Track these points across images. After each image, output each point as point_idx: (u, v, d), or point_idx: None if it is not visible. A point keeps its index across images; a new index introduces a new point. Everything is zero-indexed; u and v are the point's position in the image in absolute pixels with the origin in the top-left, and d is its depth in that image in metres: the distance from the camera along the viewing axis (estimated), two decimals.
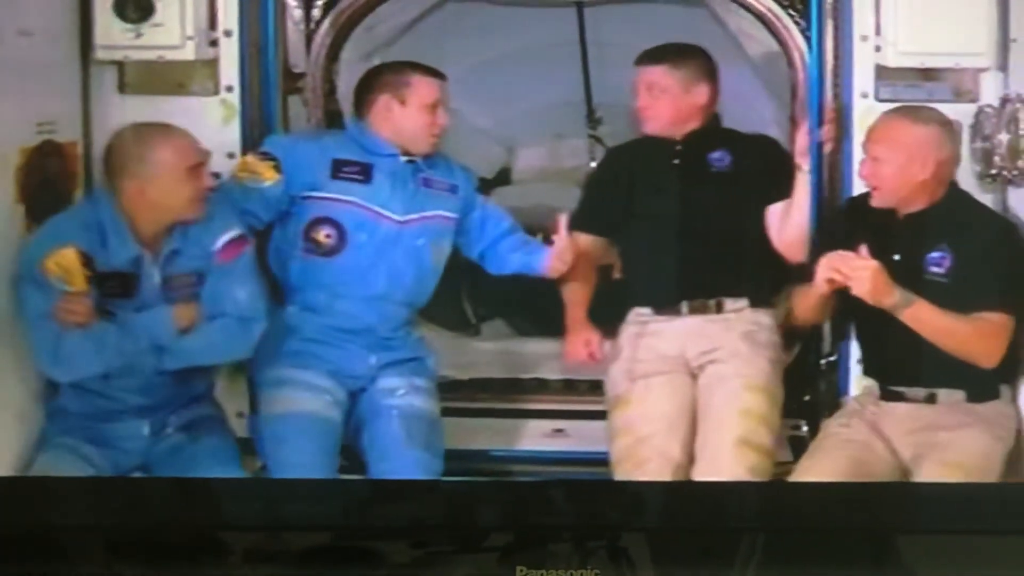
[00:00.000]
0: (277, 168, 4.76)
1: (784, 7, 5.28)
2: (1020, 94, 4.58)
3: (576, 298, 5.07)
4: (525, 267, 5.08)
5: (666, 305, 4.97)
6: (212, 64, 5.03)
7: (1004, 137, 4.60)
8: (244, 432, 4.86)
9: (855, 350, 4.89)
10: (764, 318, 4.97)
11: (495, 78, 6.76)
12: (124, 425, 4.50)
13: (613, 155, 5.53)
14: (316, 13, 5.59)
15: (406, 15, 6.15)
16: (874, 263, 4.30)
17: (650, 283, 5.01)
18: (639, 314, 5.02)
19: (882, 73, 4.90)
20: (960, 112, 4.77)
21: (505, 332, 5.79)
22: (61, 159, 4.66)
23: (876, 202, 4.53)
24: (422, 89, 4.84)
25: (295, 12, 5.53)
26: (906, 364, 4.50)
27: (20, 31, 4.47)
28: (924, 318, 4.35)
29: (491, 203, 5.18)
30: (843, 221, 4.75)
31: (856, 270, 4.31)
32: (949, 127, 4.52)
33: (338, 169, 4.82)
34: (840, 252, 4.37)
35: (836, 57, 5.05)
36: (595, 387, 5.37)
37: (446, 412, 4.97)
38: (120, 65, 5.01)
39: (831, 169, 5.01)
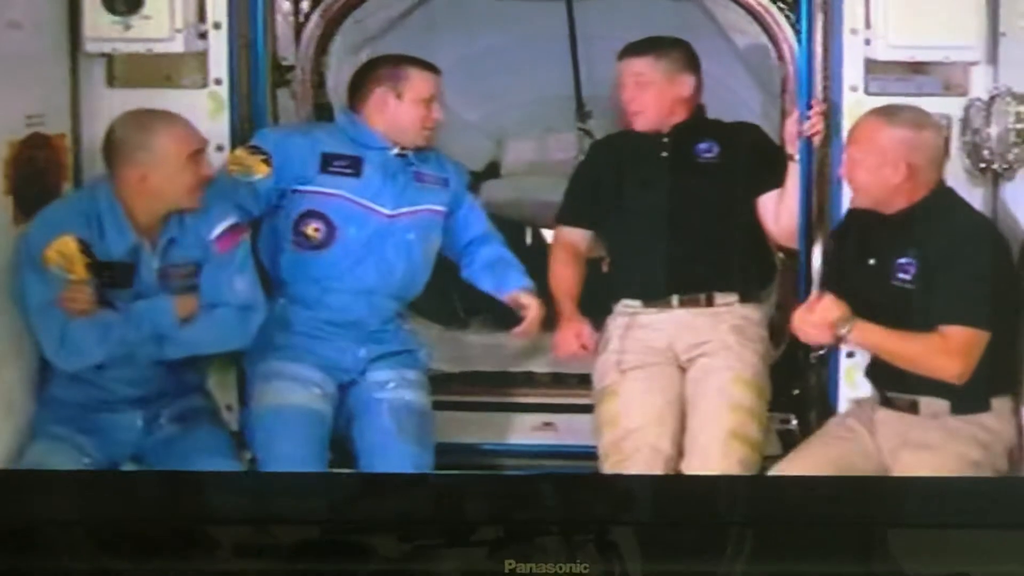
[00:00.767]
0: (267, 162, 4.77)
1: (773, 0, 5.28)
2: (1010, 87, 4.57)
3: (565, 290, 5.06)
4: (494, 291, 5.09)
5: (656, 298, 4.98)
6: (201, 57, 5.01)
7: (994, 131, 4.56)
8: (234, 425, 4.85)
9: (843, 345, 4.89)
10: (753, 312, 5.00)
11: (484, 71, 6.74)
12: (117, 416, 4.51)
13: (598, 147, 5.54)
14: (305, 6, 5.60)
15: (395, 8, 6.14)
16: (800, 315, 4.34)
17: (640, 276, 5.02)
18: (627, 306, 5.02)
19: (872, 67, 4.89)
20: (950, 106, 4.77)
21: (494, 326, 5.78)
22: (50, 152, 4.66)
23: (854, 202, 4.54)
24: (418, 83, 4.86)
25: (284, 5, 5.55)
26: (892, 368, 4.42)
27: (9, 24, 4.47)
28: (869, 341, 4.36)
29: (478, 205, 5.18)
30: (844, 223, 4.72)
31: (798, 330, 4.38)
32: (928, 129, 4.43)
33: (328, 163, 4.82)
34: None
35: (826, 51, 5.05)
36: (584, 381, 5.37)
37: (435, 406, 4.96)
38: (109, 58, 4.99)
39: (820, 163, 5.00)
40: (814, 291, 4.67)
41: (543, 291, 5.07)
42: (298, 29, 5.61)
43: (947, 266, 4.27)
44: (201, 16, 4.97)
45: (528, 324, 4.96)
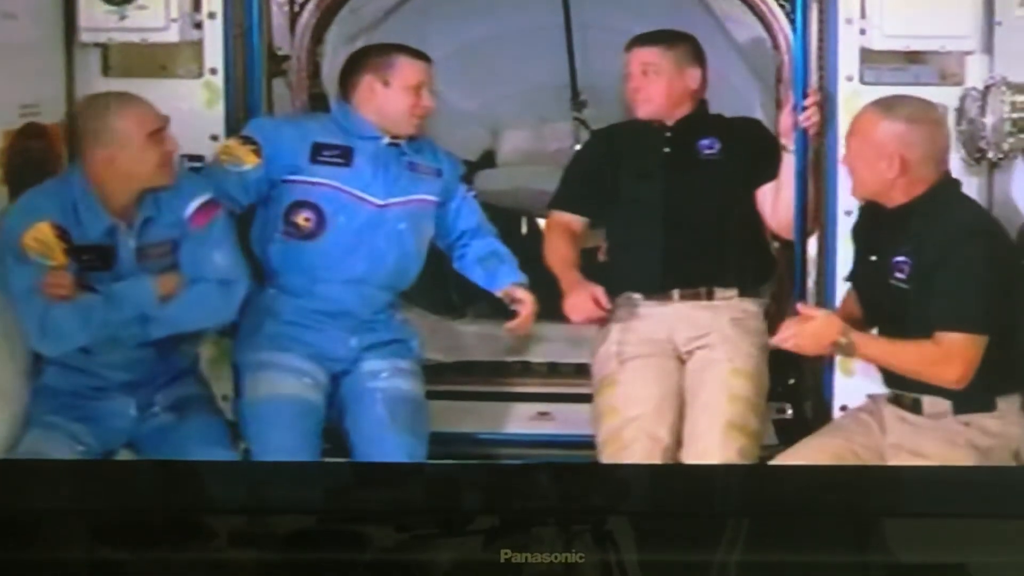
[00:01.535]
0: (257, 152, 4.75)
1: None
2: (1005, 77, 4.56)
3: (566, 261, 5.03)
4: (486, 284, 5.06)
5: (657, 292, 4.99)
6: (196, 46, 5.01)
7: (989, 120, 4.54)
8: (231, 415, 4.85)
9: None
10: (752, 306, 5.01)
11: (480, 61, 6.75)
12: (109, 403, 4.50)
13: (600, 137, 5.52)
14: None
15: None
16: (795, 328, 4.33)
17: (640, 270, 5.03)
18: (628, 298, 5.03)
19: (867, 56, 4.89)
20: (945, 95, 4.77)
21: (489, 315, 5.78)
22: (45, 141, 4.66)
23: (853, 194, 4.50)
24: (405, 71, 4.83)
25: None
26: None
27: (4, 14, 4.47)
28: (867, 354, 4.33)
29: (471, 197, 5.14)
30: (859, 216, 4.66)
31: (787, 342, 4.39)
32: (925, 124, 4.32)
33: (318, 152, 4.80)
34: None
35: (821, 40, 5.04)
36: (579, 370, 5.39)
37: (430, 395, 4.96)
38: (104, 48, 4.99)
39: (816, 154, 5.00)
40: (801, 305, 4.64)
41: (540, 281, 5.06)
42: (293, 18, 5.60)
43: (941, 267, 4.17)
44: (196, 5, 4.97)
45: (522, 320, 4.94)
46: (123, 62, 5.03)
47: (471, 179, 5.51)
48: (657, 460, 4.57)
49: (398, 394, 4.77)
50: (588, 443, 4.85)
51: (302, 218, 4.78)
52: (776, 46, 5.39)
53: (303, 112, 5.56)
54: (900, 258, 4.29)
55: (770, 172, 4.96)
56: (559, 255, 5.07)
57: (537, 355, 5.66)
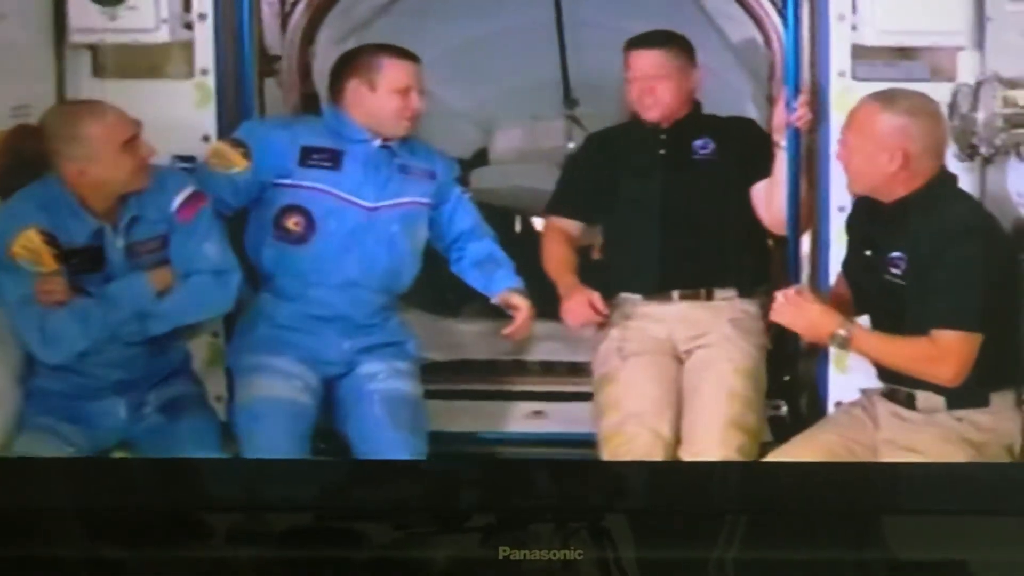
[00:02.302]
0: (246, 155, 4.73)
1: None
2: (997, 72, 4.57)
3: (563, 265, 5.07)
4: (482, 289, 5.06)
5: (656, 293, 5.01)
6: (187, 47, 4.99)
7: (981, 116, 4.55)
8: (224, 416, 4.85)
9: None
10: (751, 306, 5.04)
11: (472, 59, 6.75)
12: (99, 403, 4.49)
13: (594, 141, 5.48)
14: None
15: None
16: (792, 303, 4.34)
17: (639, 271, 5.05)
18: (627, 298, 5.04)
19: (859, 52, 4.89)
20: (937, 91, 4.76)
21: (485, 314, 5.78)
22: (35, 143, 4.63)
23: (849, 189, 4.48)
24: (392, 72, 4.78)
25: None
26: None
27: None
28: (862, 348, 4.32)
29: (466, 199, 5.11)
30: (853, 210, 4.63)
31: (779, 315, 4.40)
32: (926, 117, 4.28)
33: (307, 156, 4.78)
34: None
35: (813, 36, 5.05)
36: (574, 369, 5.39)
37: (426, 395, 4.95)
38: (94, 48, 4.97)
39: (809, 150, 5.01)
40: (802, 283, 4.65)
41: (534, 280, 5.06)
42: (285, 18, 5.59)
43: (937, 265, 4.16)
44: (187, 6, 4.95)
45: (518, 326, 4.93)
46: (114, 63, 5.01)
47: (464, 178, 5.50)
48: (659, 455, 4.57)
49: (396, 395, 4.77)
50: (583, 441, 4.85)
51: (292, 222, 4.76)
52: (768, 42, 5.39)
53: (296, 114, 5.55)
54: (896, 254, 4.27)
55: (764, 170, 4.97)
56: (556, 260, 5.10)
57: (532, 354, 5.65)
